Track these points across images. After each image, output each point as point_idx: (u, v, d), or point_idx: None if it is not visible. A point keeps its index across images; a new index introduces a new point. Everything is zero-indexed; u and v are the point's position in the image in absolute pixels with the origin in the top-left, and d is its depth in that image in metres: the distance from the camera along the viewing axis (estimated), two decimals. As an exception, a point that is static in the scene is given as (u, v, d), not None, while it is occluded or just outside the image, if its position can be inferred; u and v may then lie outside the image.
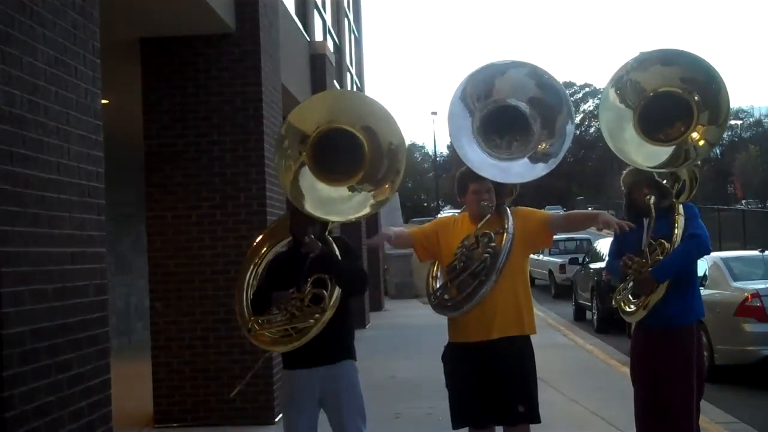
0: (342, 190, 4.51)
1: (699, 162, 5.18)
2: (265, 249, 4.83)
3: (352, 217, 4.66)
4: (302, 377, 4.61)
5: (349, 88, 17.98)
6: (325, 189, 4.50)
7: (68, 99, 4.37)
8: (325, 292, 4.47)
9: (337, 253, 4.60)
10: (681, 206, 5.02)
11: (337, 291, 4.50)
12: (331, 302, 4.47)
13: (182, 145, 7.93)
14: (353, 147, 4.45)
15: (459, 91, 4.80)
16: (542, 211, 4.88)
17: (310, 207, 4.48)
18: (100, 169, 4.73)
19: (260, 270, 4.79)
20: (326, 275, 4.49)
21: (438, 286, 4.68)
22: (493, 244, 4.51)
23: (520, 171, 4.78)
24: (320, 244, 4.51)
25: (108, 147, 4.93)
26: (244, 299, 4.67)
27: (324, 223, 4.62)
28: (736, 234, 26.28)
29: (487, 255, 4.47)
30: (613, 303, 5.21)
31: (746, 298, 9.65)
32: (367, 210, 4.57)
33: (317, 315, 4.44)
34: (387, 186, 4.51)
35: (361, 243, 16.91)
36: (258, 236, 4.98)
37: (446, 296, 4.62)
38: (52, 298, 4.10)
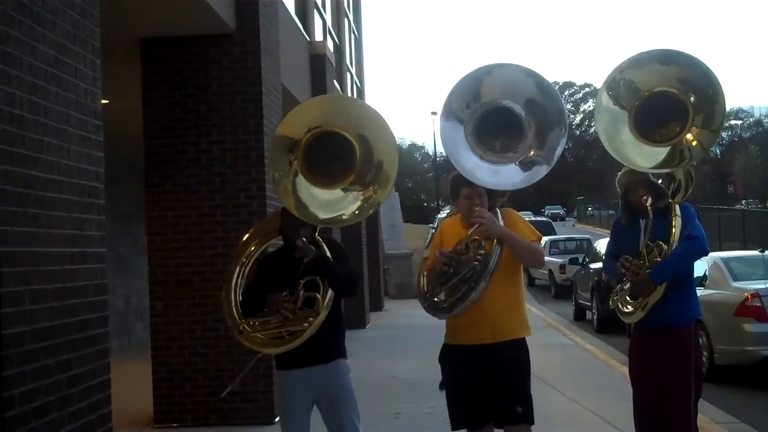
0: (336, 192, 4.49)
1: (694, 163, 5.15)
2: (252, 248, 4.81)
3: (356, 213, 4.57)
4: (297, 378, 4.61)
5: (349, 89, 17.98)
6: (322, 193, 4.47)
7: (68, 99, 4.37)
8: (318, 295, 4.47)
9: (328, 254, 4.61)
10: (678, 207, 5.01)
11: (330, 293, 4.51)
12: (324, 304, 4.48)
13: (182, 145, 7.93)
14: (344, 151, 4.42)
15: (444, 108, 4.72)
16: (531, 229, 4.76)
17: (319, 214, 4.47)
18: (100, 169, 4.73)
19: (247, 270, 4.77)
20: (318, 278, 4.49)
21: (428, 286, 4.69)
22: (482, 251, 4.52)
23: (511, 175, 4.73)
24: (312, 247, 4.51)
25: (108, 147, 4.93)
26: (233, 300, 4.66)
27: (314, 225, 4.61)
28: (736, 234, 26.24)
29: (476, 262, 4.49)
30: (611, 304, 5.20)
31: (746, 298, 9.65)
32: (358, 205, 4.52)
33: (311, 318, 4.45)
34: (372, 188, 4.46)
35: (361, 243, 16.94)
36: (244, 235, 4.96)
37: (437, 299, 4.64)
38: (52, 298, 4.10)
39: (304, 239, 4.48)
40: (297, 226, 4.52)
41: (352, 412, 4.68)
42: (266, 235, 4.85)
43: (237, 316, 4.61)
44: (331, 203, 4.49)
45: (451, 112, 4.72)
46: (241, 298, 4.68)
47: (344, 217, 4.57)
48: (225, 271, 4.86)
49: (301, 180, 4.44)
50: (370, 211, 4.59)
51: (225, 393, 5.63)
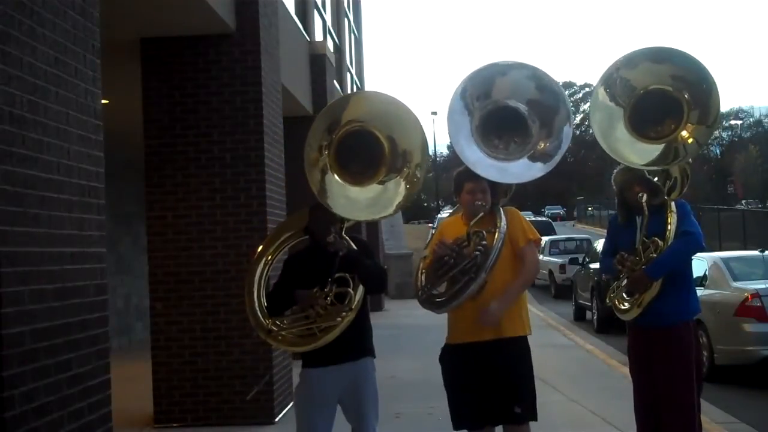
0: (373, 188, 4.50)
1: (690, 160, 5.16)
2: (275, 248, 4.80)
3: (399, 201, 4.57)
4: (325, 375, 4.58)
5: (349, 89, 17.98)
6: (359, 192, 4.47)
7: (68, 99, 4.37)
8: (350, 290, 4.47)
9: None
10: (673, 203, 5.02)
11: (361, 289, 4.51)
12: (356, 300, 4.48)
13: (182, 145, 7.93)
14: (374, 149, 4.45)
15: (459, 89, 4.78)
16: (531, 229, 4.78)
17: (365, 215, 4.60)
18: (100, 169, 4.73)
19: (270, 269, 4.76)
20: (349, 274, 4.48)
21: (426, 281, 4.69)
22: (484, 242, 4.51)
23: (518, 171, 4.76)
24: (344, 242, 4.52)
25: (108, 147, 4.93)
26: (256, 300, 4.62)
27: (342, 222, 4.61)
28: (736, 234, 26.23)
29: (477, 253, 4.48)
30: (607, 301, 5.21)
31: (746, 298, 9.65)
32: (403, 189, 4.51)
33: (344, 313, 4.44)
34: (405, 169, 4.48)
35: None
36: (269, 236, 4.95)
37: (434, 292, 4.63)
38: (52, 298, 4.10)
39: (335, 235, 4.48)
40: (327, 224, 4.52)
41: (373, 413, 4.67)
42: (292, 235, 4.82)
43: (262, 316, 4.59)
44: (375, 200, 4.50)
45: (465, 96, 4.77)
46: (269, 298, 4.65)
47: (397, 204, 4.57)
48: (247, 271, 4.84)
49: (332, 180, 4.44)
50: (415, 181, 4.51)
51: (251, 395, 5.61)
